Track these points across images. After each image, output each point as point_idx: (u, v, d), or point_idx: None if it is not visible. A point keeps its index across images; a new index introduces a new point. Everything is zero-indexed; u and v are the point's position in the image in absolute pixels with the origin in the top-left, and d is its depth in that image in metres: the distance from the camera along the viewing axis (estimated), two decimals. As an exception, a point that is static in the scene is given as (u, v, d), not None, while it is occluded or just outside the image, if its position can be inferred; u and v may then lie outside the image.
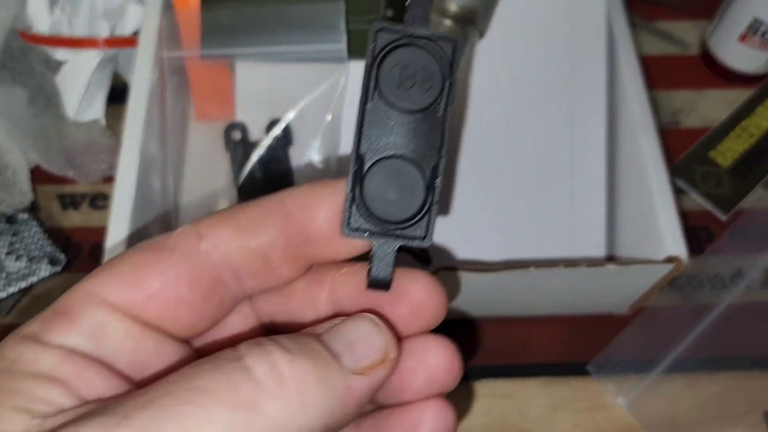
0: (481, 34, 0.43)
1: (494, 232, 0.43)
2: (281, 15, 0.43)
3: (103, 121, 0.51)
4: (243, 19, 0.43)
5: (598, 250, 0.43)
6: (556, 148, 0.44)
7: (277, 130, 0.43)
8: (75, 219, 0.52)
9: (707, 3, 0.60)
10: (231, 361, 0.17)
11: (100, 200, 0.52)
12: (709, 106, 0.56)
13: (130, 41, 0.47)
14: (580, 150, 0.44)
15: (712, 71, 0.57)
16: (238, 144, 0.44)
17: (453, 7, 0.41)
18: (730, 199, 0.51)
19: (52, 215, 0.52)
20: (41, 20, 0.47)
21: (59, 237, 0.51)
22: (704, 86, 0.57)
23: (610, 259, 0.44)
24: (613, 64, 0.46)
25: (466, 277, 0.38)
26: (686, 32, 0.59)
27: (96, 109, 0.50)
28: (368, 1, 0.45)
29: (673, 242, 0.39)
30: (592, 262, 0.38)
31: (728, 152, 0.53)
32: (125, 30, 0.49)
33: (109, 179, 0.51)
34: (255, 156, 0.43)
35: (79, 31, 0.48)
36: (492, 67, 0.44)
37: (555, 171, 0.44)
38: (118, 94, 0.54)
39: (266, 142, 0.43)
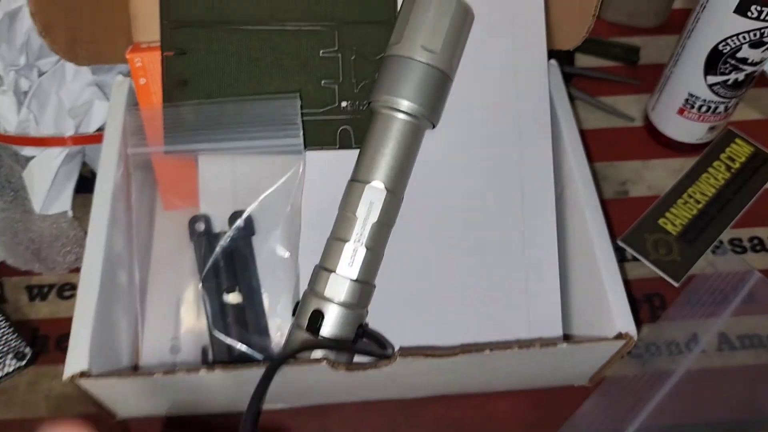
0: (434, 125, 0.45)
1: (450, 316, 0.45)
2: (241, 111, 0.45)
3: (71, 213, 0.52)
4: (205, 116, 0.45)
5: (555, 329, 0.45)
6: (507, 229, 0.46)
7: (239, 222, 0.45)
8: (42, 310, 0.52)
9: (647, 76, 0.63)
10: None
11: (67, 290, 0.53)
12: (656, 175, 0.59)
13: (96, 138, 0.49)
14: (532, 230, 0.46)
15: (656, 141, 0.60)
16: (202, 235, 0.45)
17: (405, 104, 0.43)
18: (681, 266, 0.54)
19: (19, 307, 0.52)
20: (9, 120, 0.49)
21: (26, 329, 0.51)
22: (650, 156, 0.60)
23: (566, 337, 0.45)
24: (558, 141, 0.49)
25: (424, 362, 0.39)
26: (630, 105, 0.63)
27: (63, 202, 0.51)
28: (323, 95, 0.47)
29: (622, 319, 0.40)
30: (545, 342, 0.39)
31: (677, 219, 0.56)
32: (91, 125, 0.51)
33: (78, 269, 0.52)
34: (218, 247, 0.44)
35: (47, 128, 0.49)
36: (440, 151, 0.46)
37: (507, 252, 0.46)
38: (87, 183, 0.55)
39: (229, 233, 0.45)
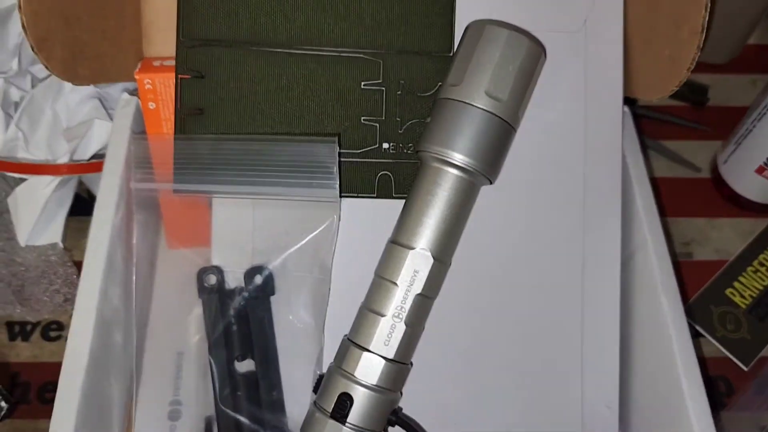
0: (491, 181, 0.38)
1: (494, 402, 0.39)
2: (267, 151, 0.38)
3: (61, 245, 0.45)
4: (223, 152, 0.38)
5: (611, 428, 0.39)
6: (564, 307, 0.40)
7: (257, 280, 0.38)
8: (24, 352, 0.46)
9: (716, 120, 0.57)
10: None
11: (53, 329, 0.47)
12: (723, 236, 0.52)
13: (95, 166, 0.42)
14: (592, 311, 0.40)
15: (724, 197, 0.53)
16: (213, 291, 0.38)
17: (460, 158, 0.36)
18: (751, 346, 0.47)
19: (-2, 347, 0.46)
20: (-6, 138, 0.42)
21: (4, 374, 0.45)
22: (717, 213, 0.53)
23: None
24: (627, 197, 0.42)
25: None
26: (696, 152, 0.56)
27: (53, 232, 0.45)
28: (362, 134, 0.40)
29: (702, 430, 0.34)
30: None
31: (746, 290, 0.49)
32: (90, 148, 0.44)
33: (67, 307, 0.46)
34: (232, 309, 0.38)
35: (38, 149, 0.43)
36: (492, 209, 0.40)
37: (563, 334, 0.40)
38: (82, 204, 0.48)
39: (245, 292, 0.38)
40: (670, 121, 0.57)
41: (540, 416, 0.39)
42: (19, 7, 0.34)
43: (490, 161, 0.37)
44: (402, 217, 0.38)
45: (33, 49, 0.35)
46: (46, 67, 0.36)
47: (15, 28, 0.44)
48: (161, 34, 0.41)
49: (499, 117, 0.37)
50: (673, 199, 0.53)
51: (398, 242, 0.37)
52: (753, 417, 0.45)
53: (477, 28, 0.38)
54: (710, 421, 0.35)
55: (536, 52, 0.37)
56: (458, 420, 0.39)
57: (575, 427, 0.40)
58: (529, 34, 0.37)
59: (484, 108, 0.36)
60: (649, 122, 0.57)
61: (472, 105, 0.36)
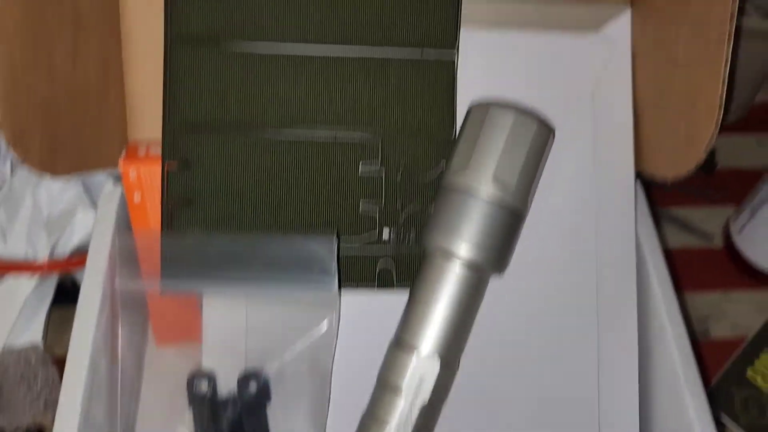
0: (501, 272, 0.36)
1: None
2: (259, 248, 0.36)
3: (41, 345, 0.42)
4: (213, 250, 0.36)
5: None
6: (580, 406, 0.37)
7: (252, 387, 0.35)
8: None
9: (726, 184, 0.55)
10: None
11: (33, 432, 0.43)
12: (740, 311, 0.50)
13: (78, 262, 0.39)
14: (610, 409, 0.37)
15: (739, 268, 0.51)
16: (205, 400, 0.35)
17: (467, 252, 0.34)
18: (777, 433, 0.45)
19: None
20: (-31, 232, 0.39)
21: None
22: (732, 286, 0.51)
23: None
24: (641, 276, 0.40)
25: None
26: (707, 220, 0.54)
27: (33, 332, 0.42)
28: (360, 222, 0.38)
29: None
30: None
31: (767, 371, 0.47)
32: (71, 240, 0.41)
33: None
34: (224, 419, 0.35)
35: (17, 243, 0.40)
36: (502, 296, 0.38)
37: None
38: (65, 294, 0.45)
39: (239, 401, 0.35)
40: (678, 189, 0.55)
41: None
42: (-6, 104, 0.32)
43: (498, 254, 0.35)
44: (405, 315, 0.35)
45: (9, 144, 0.32)
46: (23, 162, 0.33)
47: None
48: (146, 117, 0.39)
49: (508, 206, 0.34)
50: (686, 271, 0.51)
51: (402, 345, 0.34)
52: None
53: (481, 110, 0.35)
54: None
55: (545, 133, 0.35)
56: None
57: None
58: (535, 113, 0.35)
59: (492, 198, 0.34)
60: (657, 189, 0.55)
61: (479, 195, 0.34)
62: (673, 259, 0.51)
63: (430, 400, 0.33)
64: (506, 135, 0.34)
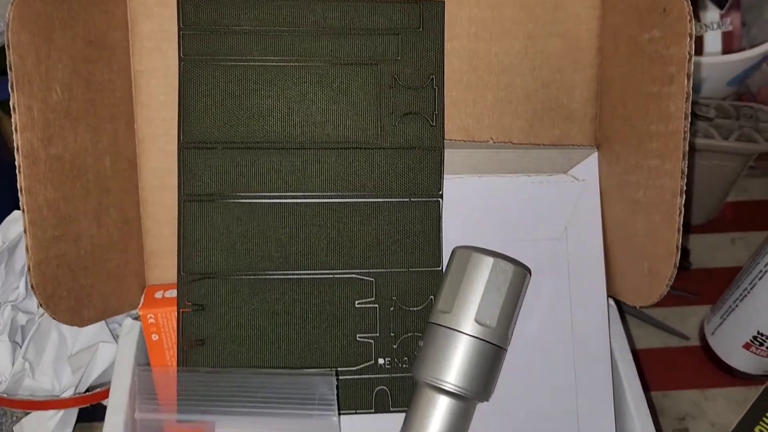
0: (486, 399, 0.40)
1: None
2: (266, 384, 0.39)
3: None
4: (224, 385, 0.40)
5: None
6: None
7: None
8: None
9: (701, 283, 0.59)
10: None
11: None
12: (718, 409, 0.53)
13: (99, 396, 0.43)
14: None
15: (715, 365, 0.54)
16: None
17: (453, 384, 0.37)
18: None
19: None
20: (2, 369, 0.43)
21: None
22: (710, 384, 0.54)
23: None
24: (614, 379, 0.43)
25: None
26: (684, 319, 0.57)
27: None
28: (358, 351, 0.42)
29: None
30: None
31: (745, 468, 0.50)
32: (94, 372, 0.45)
33: None
34: None
35: (43, 378, 0.44)
36: (493, 424, 0.41)
37: None
38: (88, 412, 0.49)
39: None
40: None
41: None
42: (29, 269, 0.36)
43: (482, 385, 0.38)
44: None
45: (41, 305, 0.36)
46: (54, 318, 0.37)
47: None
48: (163, 262, 0.43)
49: (490, 342, 0.38)
50: (666, 371, 0.54)
51: None
52: None
53: (463, 255, 0.40)
54: None
55: (521, 275, 0.39)
56: None
57: None
58: (512, 259, 0.39)
59: (475, 335, 0.38)
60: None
61: (463, 332, 0.38)
62: (651, 358, 0.55)
63: None
64: (486, 279, 0.39)
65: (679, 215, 0.38)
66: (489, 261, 0.39)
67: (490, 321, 0.38)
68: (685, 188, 0.37)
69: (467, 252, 0.40)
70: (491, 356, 0.39)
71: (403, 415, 0.40)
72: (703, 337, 0.55)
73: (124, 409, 0.40)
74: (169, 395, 0.40)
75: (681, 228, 0.38)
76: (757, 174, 0.65)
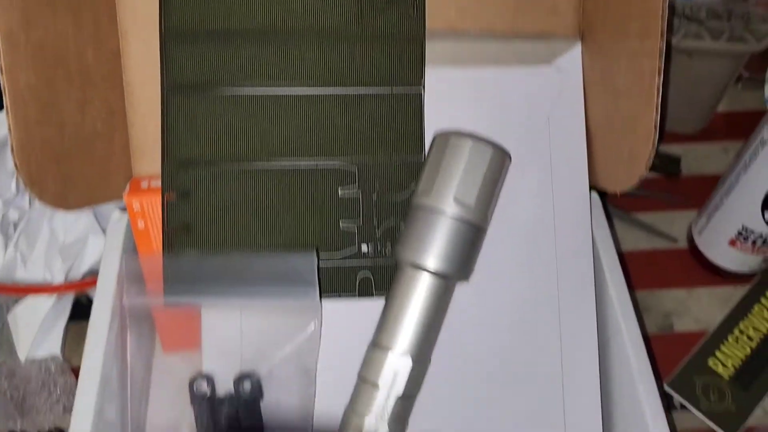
0: (466, 278, 0.40)
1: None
2: (249, 265, 0.40)
3: (60, 356, 0.47)
4: (208, 269, 0.40)
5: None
6: (545, 396, 0.41)
7: (246, 386, 0.40)
8: (27, 463, 0.47)
9: (690, 190, 0.59)
10: None
11: (55, 436, 0.48)
12: (703, 306, 0.54)
13: (89, 283, 0.44)
14: (573, 398, 0.41)
15: (702, 266, 0.55)
16: (204, 400, 0.40)
17: (433, 263, 0.38)
18: (736, 417, 0.48)
19: (1, 457, 0.47)
20: (-6, 259, 0.44)
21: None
22: (696, 283, 0.55)
23: None
24: (598, 274, 0.44)
25: None
26: (673, 223, 0.58)
27: (52, 344, 0.47)
28: (342, 239, 0.42)
29: None
30: None
31: (728, 360, 0.50)
32: (84, 263, 0.46)
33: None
34: (223, 417, 0.39)
35: (35, 268, 0.45)
36: (468, 301, 0.42)
37: (545, 425, 0.41)
38: (82, 310, 0.50)
39: (235, 399, 0.40)
40: (645, 195, 0.59)
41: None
42: (12, 150, 0.37)
43: (462, 264, 0.39)
44: (381, 320, 0.40)
45: (27, 186, 0.37)
46: (40, 201, 0.38)
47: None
48: (148, 153, 0.44)
49: (468, 222, 0.39)
50: (653, 271, 0.55)
51: (378, 345, 0.39)
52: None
53: (443, 138, 0.40)
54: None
55: (500, 157, 0.40)
56: None
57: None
58: (492, 142, 0.40)
59: (453, 215, 0.38)
60: (624, 196, 0.58)
61: (442, 213, 0.39)
62: (641, 259, 0.55)
63: (404, 392, 0.38)
64: (465, 160, 0.39)
65: (658, 95, 0.38)
66: (468, 142, 0.39)
67: (468, 200, 0.38)
68: (663, 68, 0.37)
69: (447, 135, 0.40)
70: (470, 235, 0.39)
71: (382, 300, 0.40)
72: (691, 239, 0.56)
73: (113, 295, 0.41)
74: (156, 281, 0.41)
75: (659, 108, 0.38)
76: (750, 86, 0.65)
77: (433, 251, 0.38)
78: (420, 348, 0.39)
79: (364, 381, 0.39)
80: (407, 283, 0.39)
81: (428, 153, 0.41)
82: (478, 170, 0.39)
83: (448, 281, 0.39)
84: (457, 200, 0.38)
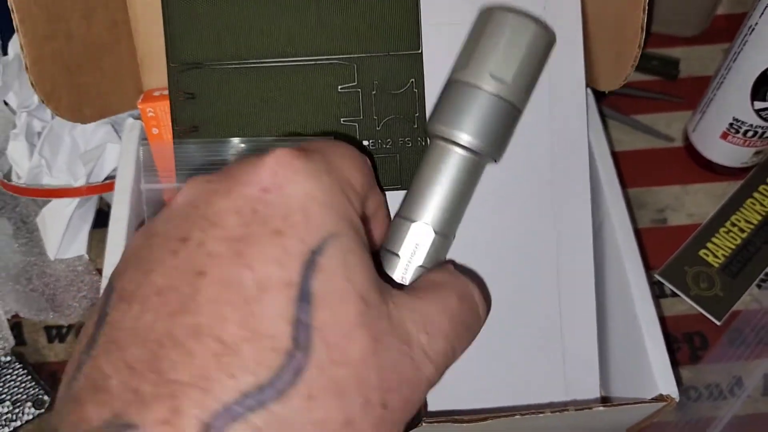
0: (496, 160, 0.39)
1: (479, 377, 0.42)
2: (256, 147, 0.43)
3: (86, 256, 0.51)
4: (217, 154, 0.43)
5: (592, 389, 0.42)
6: (541, 282, 0.44)
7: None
8: (61, 353, 0.51)
9: (689, 92, 0.60)
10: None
11: (86, 331, 0.52)
12: (697, 201, 0.55)
13: (110, 186, 0.47)
14: (569, 282, 0.44)
15: (697, 164, 0.56)
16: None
17: (466, 138, 0.37)
18: (723, 302, 0.51)
19: (38, 349, 0.51)
20: (21, 165, 0.47)
21: (45, 372, 0.50)
22: (690, 180, 0.56)
23: (604, 399, 0.43)
24: (591, 170, 0.45)
25: (452, 428, 0.37)
26: (671, 124, 0.59)
27: (78, 245, 0.50)
28: (344, 135, 0.45)
29: (662, 379, 0.38)
30: (579, 406, 0.37)
31: (719, 250, 0.53)
32: (104, 170, 0.49)
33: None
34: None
35: (59, 174, 0.48)
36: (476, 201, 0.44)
37: (542, 306, 0.43)
38: (104, 217, 0.53)
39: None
40: (643, 96, 0.60)
41: (523, 385, 0.43)
42: (26, 68, 0.39)
43: (495, 142, 0.38)
44: (408, 192, 0.39)
45: (43, 102, 0.40)
46: (56, 114, 0.41)
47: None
48: (156, 65, 0.46)
49: (505, 99, 0.37)
50: (649, 170, 0.57)
51: (402, 216, 0.38)
52: (726, 368, 0.48)
53: (486, 13, 0.39)
54: (671, 376, 0.38)
55: (543, 35, 0.38)
56: (445, 397, 0.41)
57: (558, 391, 0.43)
58: (538, 20, 0.38)
59: (489, 90, 0.37)
60: (622, 98, 0.60)
61: (478, 87, 0.37)
62: (639, 158, 0.57)
63: (423, 265, 0.38)
64: (504, 34, 0.37)
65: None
66: (509, 16, 0.37)
67: (505, 77, 0.37)
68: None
69: (491, 9, 0.39)
70: (505, 113, 0.38)
71: (388, 193, 0.42)
72: (686, 137, 0.57)
73: (130, 186, 0.44)
74: (169, 168, 0.44)
75: (647, 8, 0.39)
76: (754, -13, 0.64)
77: (466, 125, 0.37)
78: (444, 221, 0.38)
79: (386, 250, 0.38)
80: (438, 157, 0.38)
81: (472, 27, 0.40)
82: (518, 46, 0.37)
83: (479, 159, 0.38)
84: (493, 76, 0.37)
